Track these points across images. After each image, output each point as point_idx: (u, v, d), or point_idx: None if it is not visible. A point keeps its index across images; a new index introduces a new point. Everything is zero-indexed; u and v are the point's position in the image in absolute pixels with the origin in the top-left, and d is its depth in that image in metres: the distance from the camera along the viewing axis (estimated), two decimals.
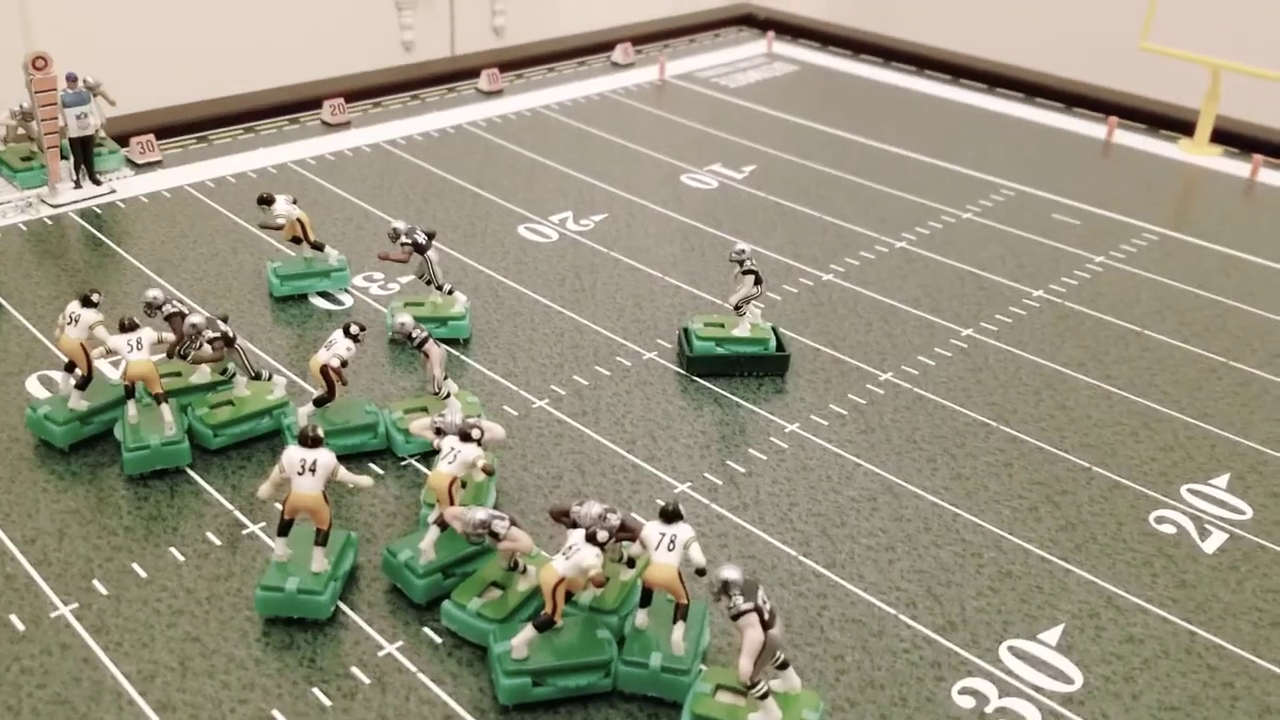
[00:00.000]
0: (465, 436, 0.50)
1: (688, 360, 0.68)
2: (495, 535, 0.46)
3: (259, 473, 0.58)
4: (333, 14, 1.59)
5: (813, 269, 0.82)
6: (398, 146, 1.02)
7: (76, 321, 0.59)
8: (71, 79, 0.84)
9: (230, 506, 0.56)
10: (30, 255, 0.79)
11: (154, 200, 0.88)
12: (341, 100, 1.06)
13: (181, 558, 0.52)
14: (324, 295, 0.76)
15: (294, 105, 1.08)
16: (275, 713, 0.45)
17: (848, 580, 0.52)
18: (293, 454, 0.48)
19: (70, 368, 0.60)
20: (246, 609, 0.50)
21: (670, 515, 0.45)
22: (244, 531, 0.54)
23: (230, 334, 0.60)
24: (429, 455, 0.59)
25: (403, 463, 0.60)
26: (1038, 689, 0.47)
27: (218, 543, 0.54)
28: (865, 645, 0.49)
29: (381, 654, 0.48)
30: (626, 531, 0.46)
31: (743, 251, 0.68)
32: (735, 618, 0.41)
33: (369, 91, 1.13)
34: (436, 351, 0.59)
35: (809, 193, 0.95)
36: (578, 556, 0.44)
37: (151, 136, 0.95)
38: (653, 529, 0.45)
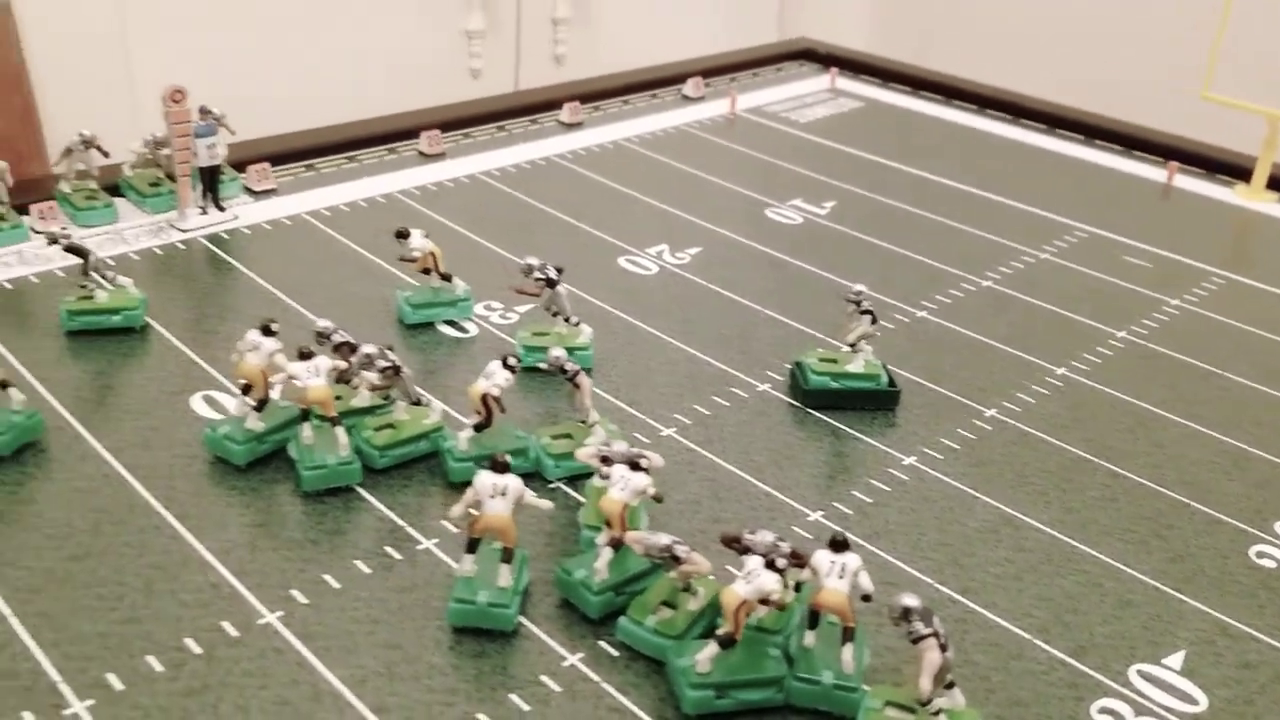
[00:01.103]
0: (634, 465, 0.55)
1: (803, 393, 0.73)
2: (677, 559, 0.51)
3: (421, 492, 0.63)
4: (406, 42, 1.63)
5: (906, 305, 0.86)
6: (492, 177, 1.06)
7: (258, 349, 0.63)
8: (203, 111, 0.89)
9: (401, 522, 0.60)
10: (169, 278, 0.84)
11: (275, 227, 0.93)
12: (438, 131, 1.11)
13: (368, 570, 0.57)
14: (450, 323, 0.80)
15: (391, 135, 1.12)
16: (481, 716, 0.49)
17: (982, 606, 0.57)
18: (485, 479, 0.53)
19: (246, 390, 0.64)
20: (436, 619, 0.54)
21: (839, 545, 0.50)
22: (419, 547, 0.59)
23: (398, 363, 0.64)
24: (575, 479, 0.64)
25: (550, 485, 0.64)
26: (1168, 710, 0.52)
27: (398, 557, 0.58)
28: (1006, 667, 0.53)
29: (565, 664, 0.52)
30: (796, 559, 0.50)
31: (860, 291, 0.72)
32: (915, 641, 0.45)
33: (460, 122, 1.17)
34: (587, 383, 0.64)
35: (890, 230, 1.00)
36: (759, 581, 0.48)
37: (267, 165, 0.99)
38: (823, 557, 0.50)
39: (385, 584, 0.56)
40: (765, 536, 0.50)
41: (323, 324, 0.66)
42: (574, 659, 0.53)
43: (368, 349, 0.64)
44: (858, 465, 0.67)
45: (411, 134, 1.12)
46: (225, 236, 0.90)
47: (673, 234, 0.97)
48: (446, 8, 1.67)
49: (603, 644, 0.53)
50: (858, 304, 0.72)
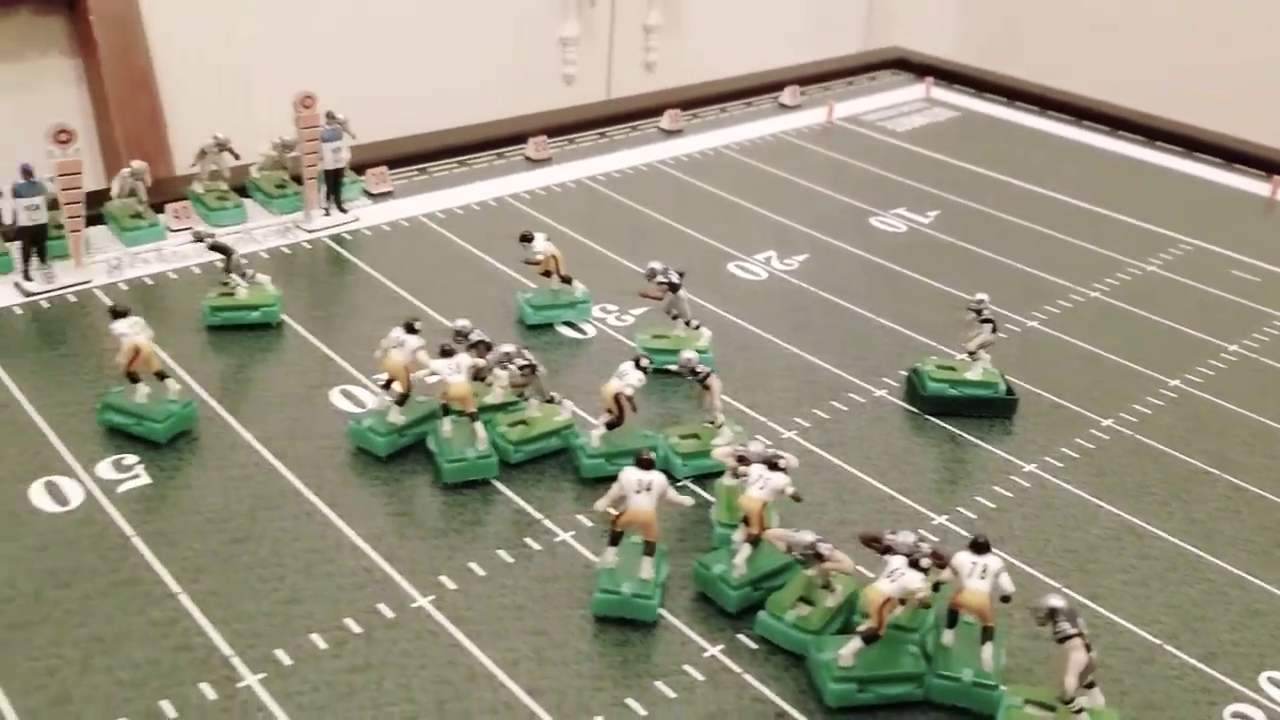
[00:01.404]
0: (773, 465, 0.57)
1: (921, 399, 0.74)
2: (820, 556, 0.53)
3: (553, 487, 0.65)
4: (503, 49, 1.67)
5: (1017, 315, 0.87)
6: (597, 182, 1.09)
7: (402, 346, 0.66)
8: (329, 116, 0.92)
9: (538, 515, 0.63)
10: (298, 276, 0.87)
11: (394, 228, 0.96)
12: (544, 137, 1.14)
13: (510, 559, 0.59)
14: (569, 325, 0.83)
15: (499, 141, 1.15)
16: (630, 701, 0.51)
17: (1111, 611, 0.58)
18: (630, 475, 0.55)
19: (387, 384, 0.67)
20: (579, 608, 0.56)
21: (981, 547, 0.51)
22: (556, 539, 0.61)
23: (535, 362, 0.67)
24: (701, 478, 0.66)
25: (678, 483, 0.66)
26: None
27: (537, 547, 0.60)
28: (1139, 670, 0.54)
29: (706, 655, 0.54)
30: (938, 559, 0.52)
31: (981, 300, 0.73)
32: (1061, 640, 0.47)
33: (563, 128, 1.20)
34: (717, 385, 0.66)
35: (995, 240, 1.01)
36: (903, 580, 0.50)
37: (384, 168, 1.03)
38: (964, 558, 0.51)
39: (527, 573, 0.58)
40: (907, 537, 0.52)
41: (461, 323, 0.68)
42: (714, 650, 0.54)
43: (506, 348, 0.66)
44: (978, 471, 0.69)
45: (519, 139, 1.15)
46: (347, 237, 0.94)
47: (779, 240, 0.98)
48: (544, 15, 1.70)
49: (741, 637, 0.55)
50: (979, 313, 0.73)
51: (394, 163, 1.08)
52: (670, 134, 1.22)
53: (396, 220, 0.97)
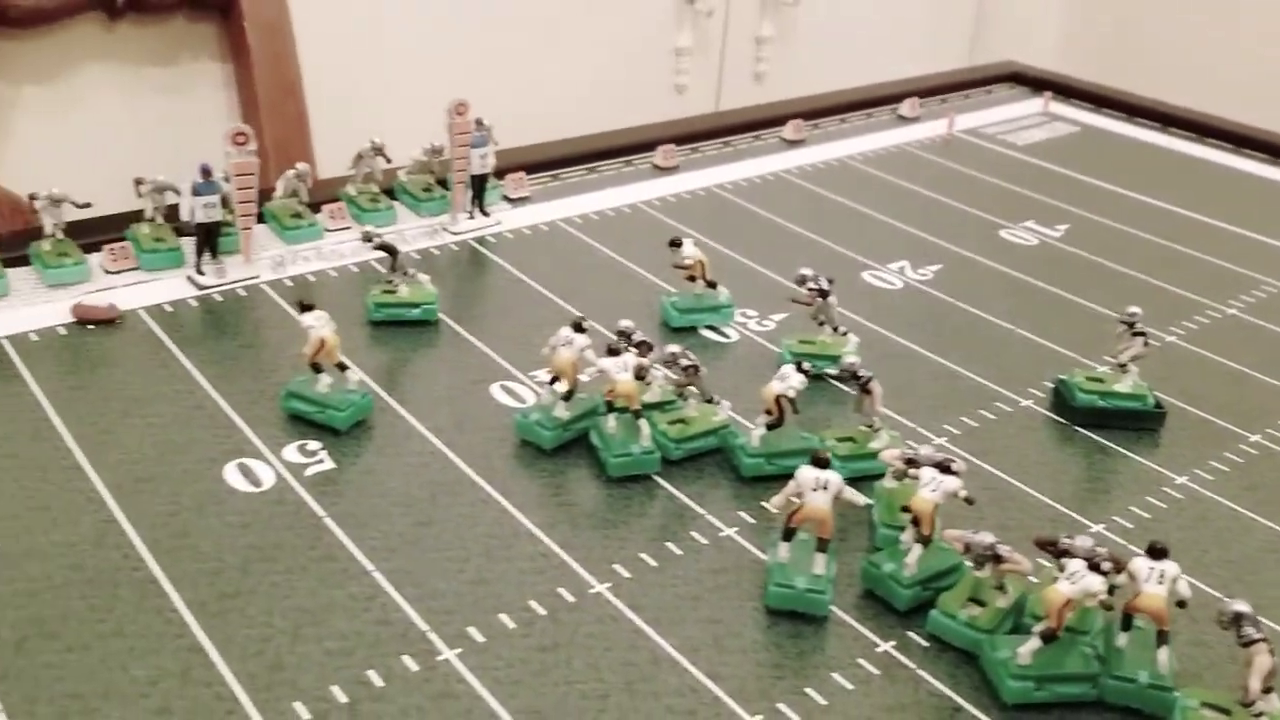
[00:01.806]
0: (945, 469, 0.58)
1: (1069, 410, 0.75)
2: (998, 558, 0.54)
3: (712, 484, 0.67)
4: (619, 59, 1.70)
5: (1155, 330, 0.88)
6: (725, 190, 1.11)
7: (570, 344, 0.68)
8: (478, 123, 0.96)
9: (700, 510, 0.65)
10: (447, 277, 0.90)
11: (534, 232, 0.99)
12: (672, 146, 1.16)
13: (679, 551, 0.62)
14: (711, 328, 0.85)
15: (628, 149, 1.18)
16: (809, 690, 0.53)
17: (1274, 622, 0.58)
18: (807, 473, 0.57)
19: (553, 380, 0.70)
20: (750, 600, 0.58)
21: (1159, 552, 0.52)
22: (721, 534, 0.63)
23: (698, 363, 0.69)
24: (858, 480, 0.67)
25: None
26: None
27: (703, 541, 0.62)
28: None
29: (879, 650, 0.56)
30: (1115, 563, 0.53)
31: (1134, 313, 0.74)
32: (1246, 645, 0.48)
33: (688, 137, 1.22)
34: (879, 389, 0.68)
35: (1126, 254, 1.01)
36: (1084, 582, 0.51)
37: (523, 174, 1.06)
38: (1141, 563, 0.52)
39: (696, 565, 0.61)
40: (1084, 541, 0.53)
41: (624, 324, 0.71)
42: (886, 646, 0.56)
43: (672, 348, 0.69)
44: (1130, 482, 0.70)
45: (645, 147, 1.17)
46: (491, 240, 0.97)
47: (911, 250, 1.00)
48: (659, 26, 1.73)
49: (911, 634, 0.57)
50: (1131, 325, 0.74)
51: (532, 168, 1.11)
52: (793, 144, 1.24)
53: (536, 224, 1.00)
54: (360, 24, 1.44)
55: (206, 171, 0.82)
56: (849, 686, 0.54)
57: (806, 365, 0.68)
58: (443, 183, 1.01)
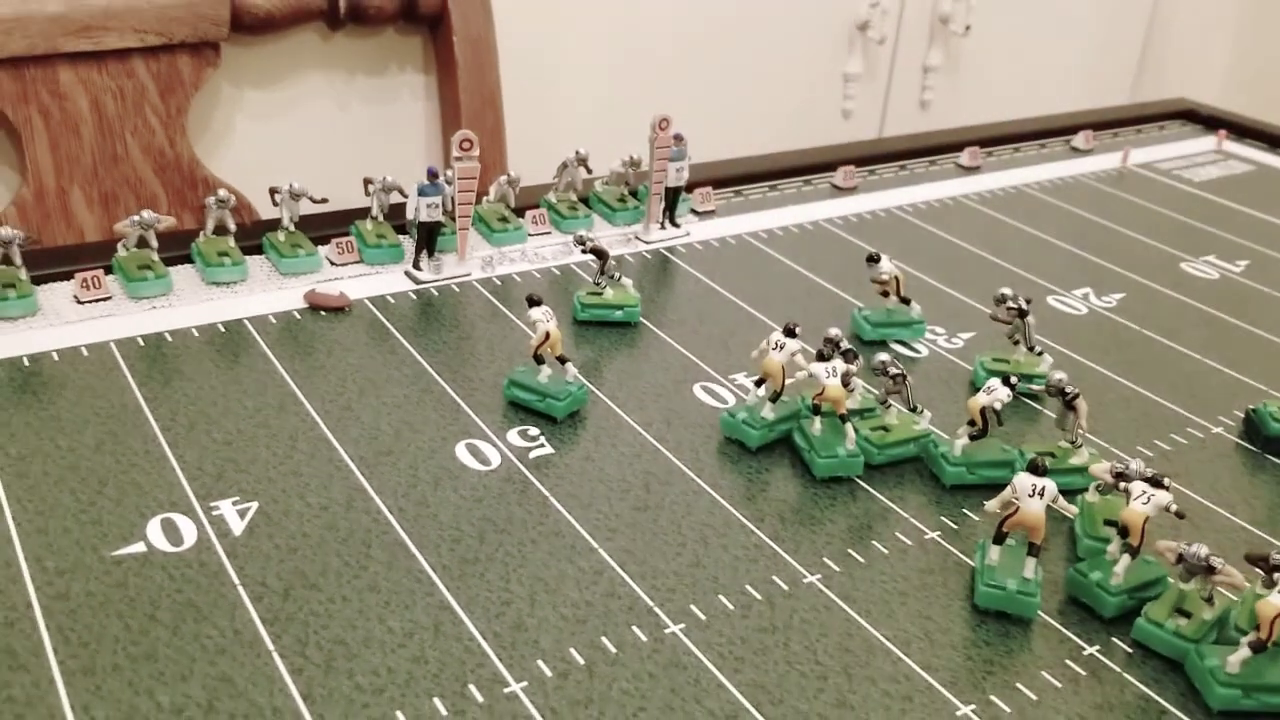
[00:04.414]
0: (1156, 483, 0.60)
1: (1263, 439, 0.75)
2: (1211, 569, 0.56)
3: (914, 489, 0.70)
4: (789, 81, 1.74)
5: None
6: (905, 212, 1.13)
7: (781, 348, 0.72)
8: (678, 138, 1.00)
9: (903, 514, 0.68)
10: (646, 284, 0.94)
11: (721, 244, 1.03)
12: (852, 167, 1.19)
13: (885, 551, 0.64)
14: (901, 343, 0.87)
15: (806, 169, 1.21)
16: (1020, 686, 0.55)
17: None
18: (1025, 479, 0.59)
19: (760, 382, 0.73)
20: (958, 599, 0.61)
21: None
22: (925, 537, 0.66)
23: (905, 372, 0.72)
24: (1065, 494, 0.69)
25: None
26: None
27: (908, 542, 0.65)
28: None
29: (1085, 654, 0.58)
30: None
31: None
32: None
33: (865, 160, 1.25)
34: (1084, 406, 0.70)
35: None
36: None
37: (710, 188, 1.10)
38: None
39: (904, 563, 0.63)
40: None
41: (832, 332, 0.74)
42: (1092, 650, 0.58)
43: (882, 357, 0.72)
44: None
45: (825, 168, 1.21)
46: (681, 250, 1.01)
47: (1094, 278, 1.01)
48: (831, 52, 1.76)
49: (1115, 640, 0.59)
50: None
51: (714, 184, 1.15)
52: (968, 170, 1.26)
53: (723, 237, 1.04)
54: (550, 40, 1.51)
55: (433, 174, 0.88)
56: (1058, 685, 0.56)
57: (1014, 380, 0.70)
58: (634, 193, 1.06)
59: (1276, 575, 0.54)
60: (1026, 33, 1.93)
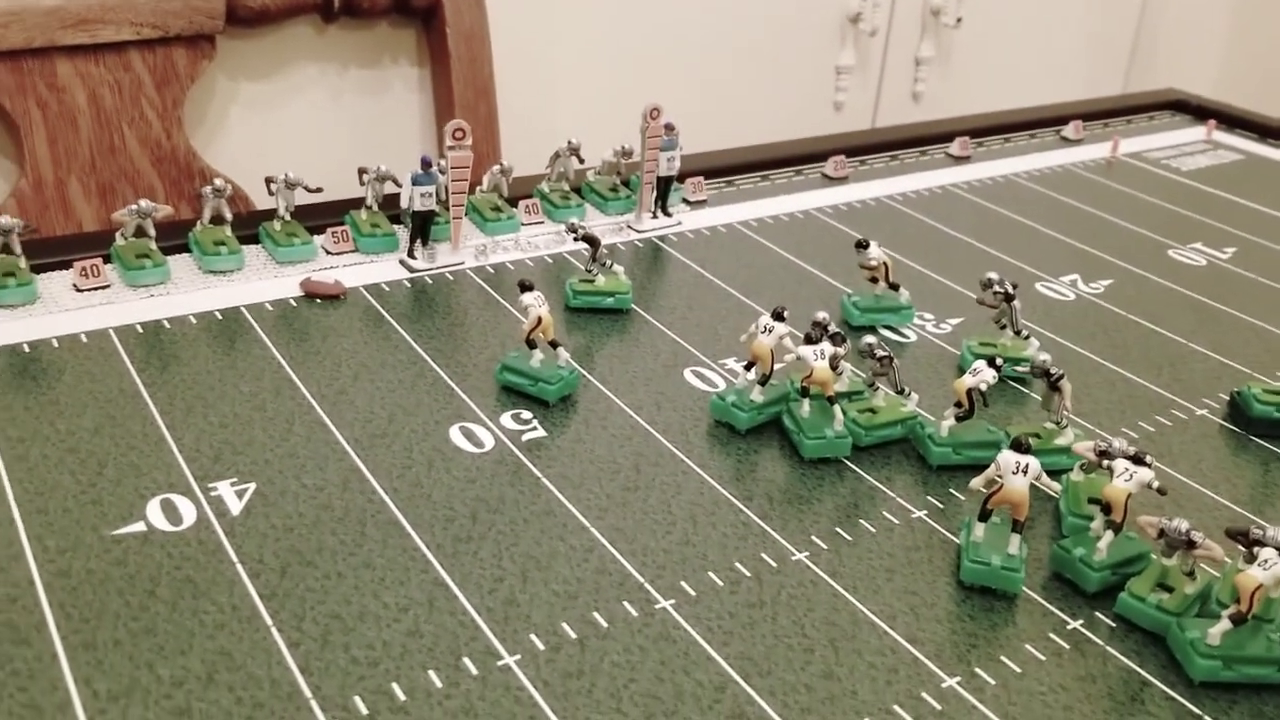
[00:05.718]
0: (1138, 460, 0.61)
1: (1246, 421, 0.77)
2: (1192, 543, 0.57)
3: (901, 469, 0.71)
4: (780, 72, 1.75)
5: None
6: (895, 201, 1.14)
7: (770, 331, 0.73)
8: (669, 127, 1.01)
9: (890, 493, 0.69)
10: (638, 272, 0.95)
11: (713, 233, 1.04)
12: (843, 157, 1.20)
13: (872, 529, 0.65)
14: (890, 328, 0.89)
15: (797, 159, 1.22)
16: (1004, 658, 0.56)
17: None
18: (1009, 456, 0.61)
19: (749, 366, 0.74)
20: (943, 576, 0.62)
21: None
22: (913, 515, 0.67)
23: (891, 354, 0.73)
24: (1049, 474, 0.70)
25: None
26: None
27: (895, 521, 0.66)
28: None
29: (1068, 628, 0.59)
30: None
31: None
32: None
33: (856, 150, 1.26)
34: (1068, 388, 0.71)
35: None
36: (1276, 569, 0.54)
37: (701, 178, 1.11)
38: None
39: (890, 541, 0.64)
40: (1277, 531, 0.55)
41: (820, 315, 0.75)
42: (1075, 624, 0.59)
43: (869, 339, 0.73)
44: None
45: (815, 159, 1.22)
46: (673, 239, 1.02)
47: (1082, 265, 1.02)
48: (824, 43, 1.77)
49: (1099, 615, 0.60)
50: None
51: (706, 174, 1.16)
52: (958, 160, 1.27)
53: (714, 226, 1.05)
54: (543, 31, 1.51)
55: (426, 164, 0.89)
56: (1041, 657, 0.57)
57: (999, 362, 0.71)
58: (626, 183, 1.07)
59: (1256, 549, 0.55)
60: (1018, 25, 1.94)
